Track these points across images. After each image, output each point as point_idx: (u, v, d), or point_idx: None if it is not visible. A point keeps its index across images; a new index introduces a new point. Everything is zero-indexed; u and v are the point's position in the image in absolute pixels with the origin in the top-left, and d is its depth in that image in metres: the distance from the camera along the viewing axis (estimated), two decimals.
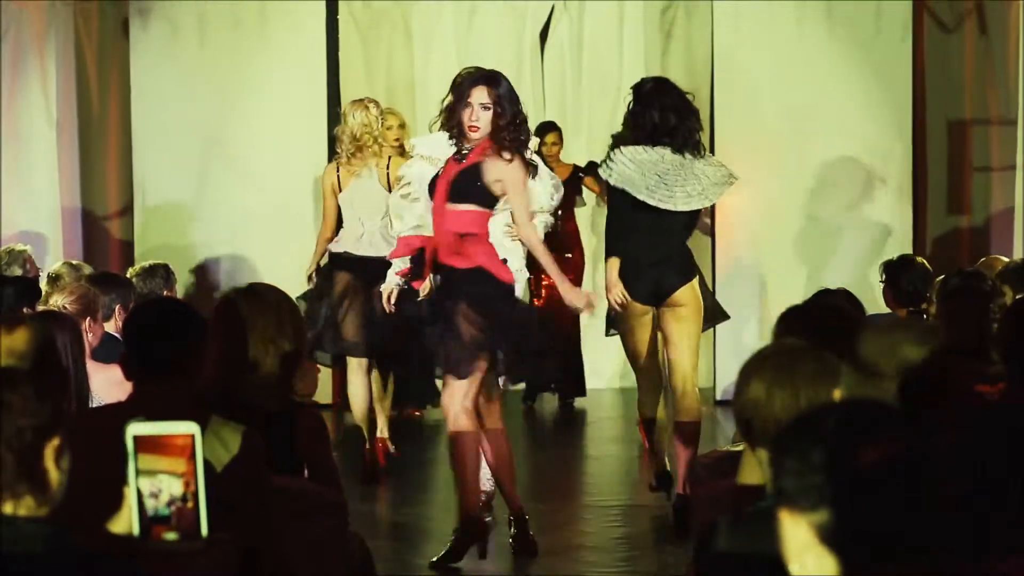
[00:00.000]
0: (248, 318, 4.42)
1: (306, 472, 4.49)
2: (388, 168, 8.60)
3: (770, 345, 3.64)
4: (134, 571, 2.82)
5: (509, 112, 6.64)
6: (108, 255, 11.38)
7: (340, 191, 8.74)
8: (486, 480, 7.26)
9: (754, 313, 10.83)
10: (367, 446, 8.69)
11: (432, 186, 6.77)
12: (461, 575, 6.64)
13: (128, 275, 7.79)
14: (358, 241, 8.68)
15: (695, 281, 7.53)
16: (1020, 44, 11.02)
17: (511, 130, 6.64)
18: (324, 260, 8.90)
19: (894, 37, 11.07)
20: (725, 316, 8.04)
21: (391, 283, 7.13)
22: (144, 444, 2.96)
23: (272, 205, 10.94)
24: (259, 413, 4.21)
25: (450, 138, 6.77)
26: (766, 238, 11.06)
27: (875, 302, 8.10)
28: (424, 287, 6.90)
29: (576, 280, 10.84)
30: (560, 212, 9.85)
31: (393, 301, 7.06)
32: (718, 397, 10.88)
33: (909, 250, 10.06)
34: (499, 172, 6.64)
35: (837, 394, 3.30)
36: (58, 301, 6.13)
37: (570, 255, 10.85)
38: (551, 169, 8.20)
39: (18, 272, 8.20)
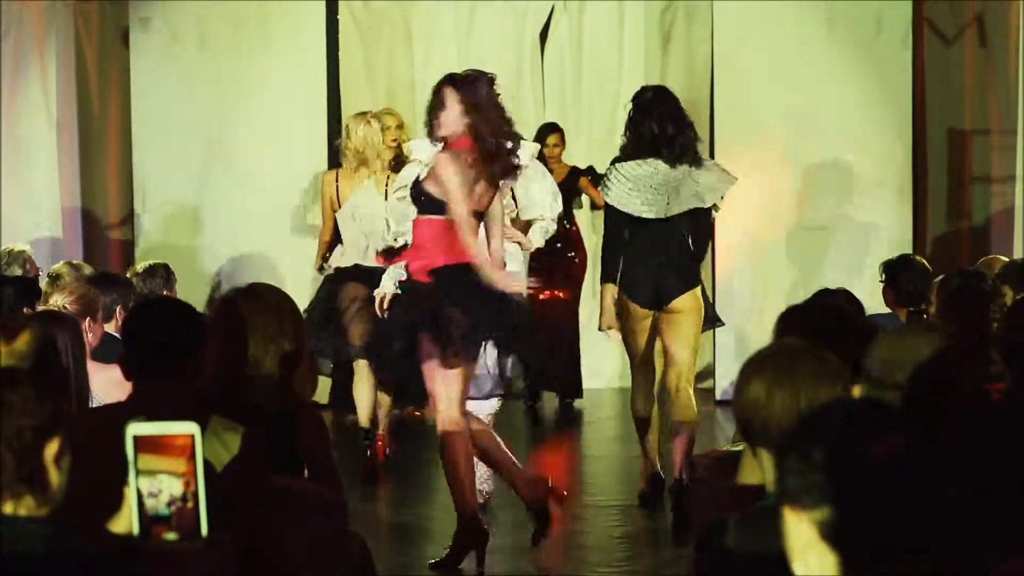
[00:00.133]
0: (248, 318, 4.42)
1: (306, 472, 4.49)
2: (387, 185, 8.63)
3: (770, 345, 3.64)
4: (134, 571, 2.83)
5: (484, 114, 6.55)
6: (108, 255, 11.38)
7: (338, 206, 8.81)
8: (483, 481, 7.25)
9: (753, 313, 10.82)
10: (367, 444, 8.71)
11: (416, 190, 6.73)
12: (461, 575, 6.64)
13: (128, 275, 7.79)
14: (365, 254, 8.72)
15: (698, 290, 7.67)
16: (1020, 54, 11.01)
17: (486, 127, 6.52)
18: (331, 271, 8.97)
19: (894, 39, 11.06)
20: (720, 323, 8.29)
21: (385, 288, 7.12)
22: (144, 444, 2.96)
23: (272, 205, 10.94)
24: (259, 413, 4.21)
25: (432, 142, 6.78)
26: (765, 238, 11.05)
27: (874, 302, 8.10)
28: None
29: (578, 279, 10.90)
30: (565, 216, 9.88)
31: (386, 306, 7.04)
32: (718, 397, 10.88)
33: (909, 251, 10.05)
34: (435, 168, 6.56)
35: (857, 391, 3.30)
36: (58, 301, 6.12)
37: (574, 255, 10.87)
38: (551, 171, 8.19)
39: (18, 272, 8.19)
